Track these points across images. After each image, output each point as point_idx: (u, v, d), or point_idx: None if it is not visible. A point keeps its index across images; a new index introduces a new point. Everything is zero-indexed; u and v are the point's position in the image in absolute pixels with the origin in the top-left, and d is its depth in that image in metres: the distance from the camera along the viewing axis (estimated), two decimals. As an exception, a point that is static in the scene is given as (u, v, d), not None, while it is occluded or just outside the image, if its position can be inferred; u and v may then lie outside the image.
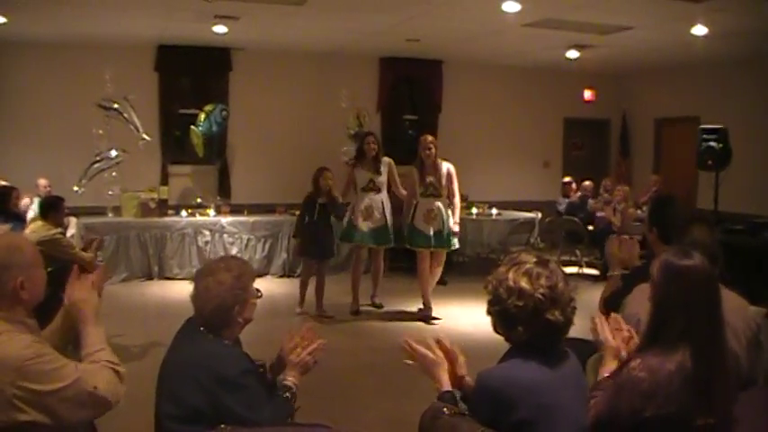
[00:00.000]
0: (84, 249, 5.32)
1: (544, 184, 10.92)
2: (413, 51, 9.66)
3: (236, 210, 8.74)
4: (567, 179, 10.15)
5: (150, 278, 8.00)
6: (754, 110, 8.95)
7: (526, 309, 1.87)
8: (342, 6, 6.95)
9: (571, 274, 8.00)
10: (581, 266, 8.88)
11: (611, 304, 2.98)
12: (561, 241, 9.23)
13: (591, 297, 3.42)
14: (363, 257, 6.96)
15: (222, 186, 9.45)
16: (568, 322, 1.92)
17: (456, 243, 6.61)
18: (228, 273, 2.28)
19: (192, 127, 8.68)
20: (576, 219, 8.96)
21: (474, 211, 9.11)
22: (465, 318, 6.43)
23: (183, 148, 9.21)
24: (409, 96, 10.75)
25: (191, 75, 9.52)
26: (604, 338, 2.23)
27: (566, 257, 9.15)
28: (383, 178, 6.68)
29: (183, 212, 8.46)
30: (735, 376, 2.09)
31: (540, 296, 1.86)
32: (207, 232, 8.22)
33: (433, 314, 6.57)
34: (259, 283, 2.43)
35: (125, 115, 8.02)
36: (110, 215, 8.22)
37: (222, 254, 7.71)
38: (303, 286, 6.66)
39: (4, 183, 6.82)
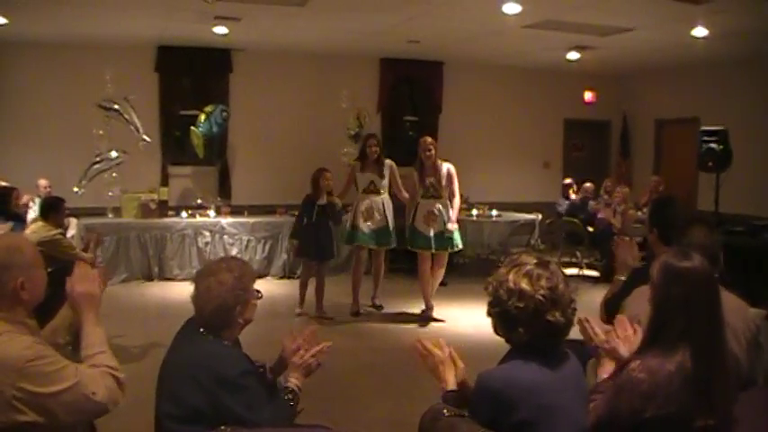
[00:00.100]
0: (84, 250, 5.33)
1: (544, 185, 10.93)
2: (413, 52, 9.66)
3: (236, 211, 8.75)
4: (567, 180, 10.16)
5: (150, 279, 8.01)
6: (754, 111, 8.95)
7: (527, 310, 1.87)
8: (342, 7, 6.95)
9: (571, 276, 8.01)
10: (581, 268, 8.87)
11: (610, 307, 2.97)
12: (562, 243, 9.23)
13: (591, 298, 3.42)
14: (364, 258, 6.94)
15: (222, 187, 9.45)
16: (569, 323, 1.93)
17: (459, 243, 6.57)
18: (230, 273, 2.28)
19: (193, 128, 8.68)
20: (576, 220, 8.96)
21: (474, 212, 9.08)
22: (465, 319, 6.42)
23: (184, 149, 9.21)
24: (409, 97, 10.75)
25: (191, 75, 9.51)
26: (599, 342, 2.23)
27: (566, 259, 9.16)
28: (385, 181, 6.66)
29: (184, 213, 8.47)
30: (735, 377, 2.09)
31: (540, 297, 1.87)
32: (207, 233, 8.22)
33: (435, 315, 6.56)
34: (259, 285, 2.42)
35: (125, 116, 8.01)
36: (110, 216, 8.22)
37: (222, 255, 7.69)
38: (303, 287, 6.66)
39: (4, 183, 6.83)
